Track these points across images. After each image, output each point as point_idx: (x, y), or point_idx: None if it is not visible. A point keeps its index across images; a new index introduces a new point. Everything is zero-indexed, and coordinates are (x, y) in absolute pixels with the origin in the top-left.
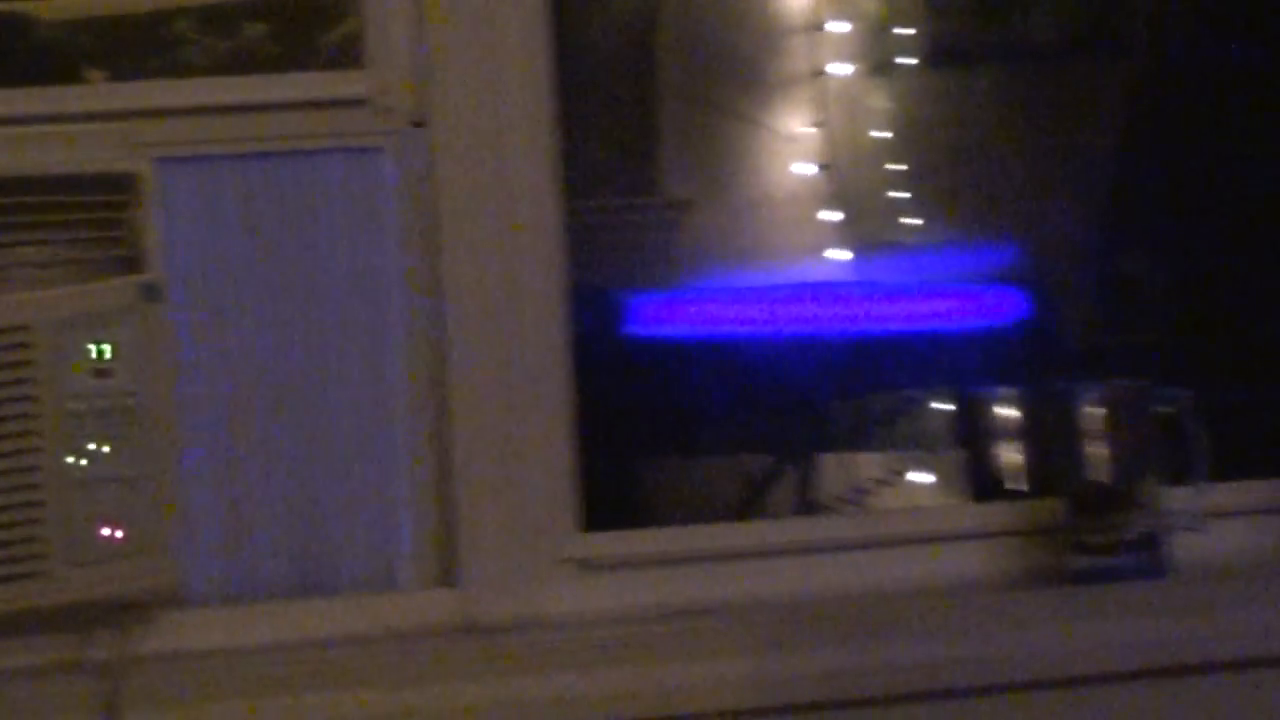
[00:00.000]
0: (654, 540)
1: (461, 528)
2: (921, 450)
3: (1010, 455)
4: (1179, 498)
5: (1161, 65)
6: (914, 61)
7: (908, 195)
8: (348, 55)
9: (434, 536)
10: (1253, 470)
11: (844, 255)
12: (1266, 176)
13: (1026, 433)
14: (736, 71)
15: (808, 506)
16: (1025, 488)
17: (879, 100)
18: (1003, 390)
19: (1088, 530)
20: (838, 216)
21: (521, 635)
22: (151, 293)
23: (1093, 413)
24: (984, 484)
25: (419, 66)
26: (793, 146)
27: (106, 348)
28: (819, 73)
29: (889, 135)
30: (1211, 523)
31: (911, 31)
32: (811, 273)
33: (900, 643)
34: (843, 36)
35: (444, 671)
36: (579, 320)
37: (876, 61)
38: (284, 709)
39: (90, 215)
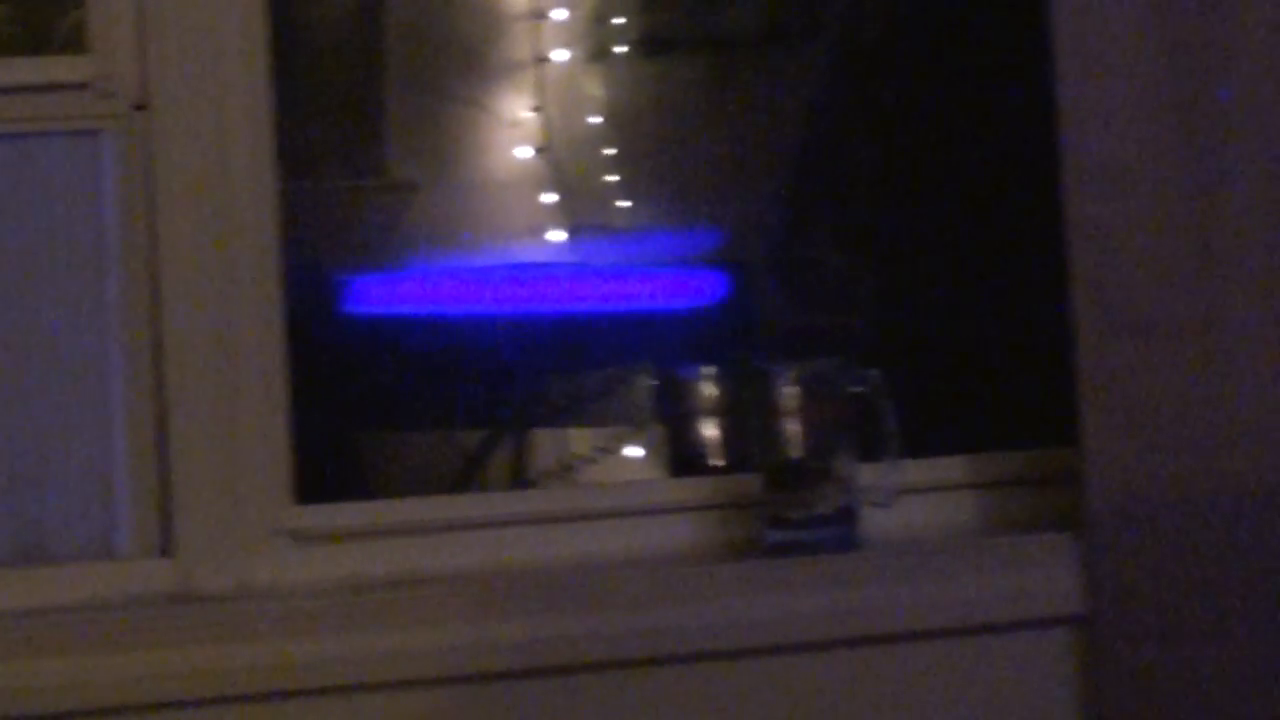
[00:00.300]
0: (368, 512)
1: (177, 498)
2: (630, 426)
3: (711, 432)
4: (870, 474)
5: (853, 54)
6: (626, 49)
7: (619, 179)
8: (79, 40)
9: (150, 506)
10: (942, 448)
11: (561, 237)
12: (952, 162)
13: (726, 410)
14: (461, 57)
15: (521, 480)
16: (724, 463)
17: (594, 87)
18: (704, 369)
19: (783, 505)
20: (555, 199)
21: (234, 604)
22: None
23: (787, 391)
24: (688, 460)
25: (141, 50)
26: (514, 131)
27: None
28: (541, 59)
29: (602, 121)
30: (902, 498)
31: (625, 20)
32: (531, 253)
33: (603, 612)
34: (563, 24)
35: (156, 639)
36: (298, 298)
37: (593, 49)
38: None
39: None
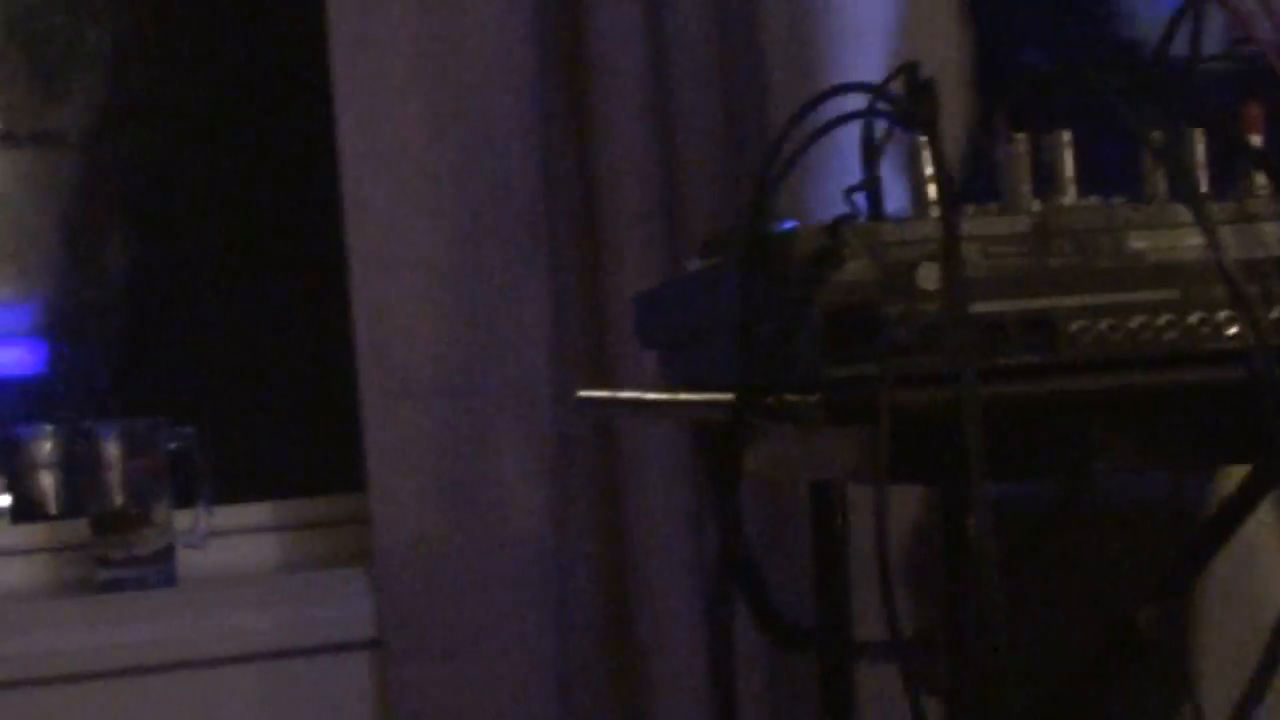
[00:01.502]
0: None
1: None
2: None
3: (48, 484)
4: (186, 519)
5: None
6: None
7: None
8: None
9: None
10: (251, 494)
11: None
12: (251, 250)
13: (61, 464)
14: None
15: None
16: (57, 512)
17: None
18: (42, 428)
19: (108, 547)
20: None
21: None
22: None
23: (111, 447)
24: (26, 509)
25: None
26: None
27: None
28: None
29: None
30: (214, 540)
31: None
32: None
33: None
34: None
35: None
36: None
37: None
38: None
39: None
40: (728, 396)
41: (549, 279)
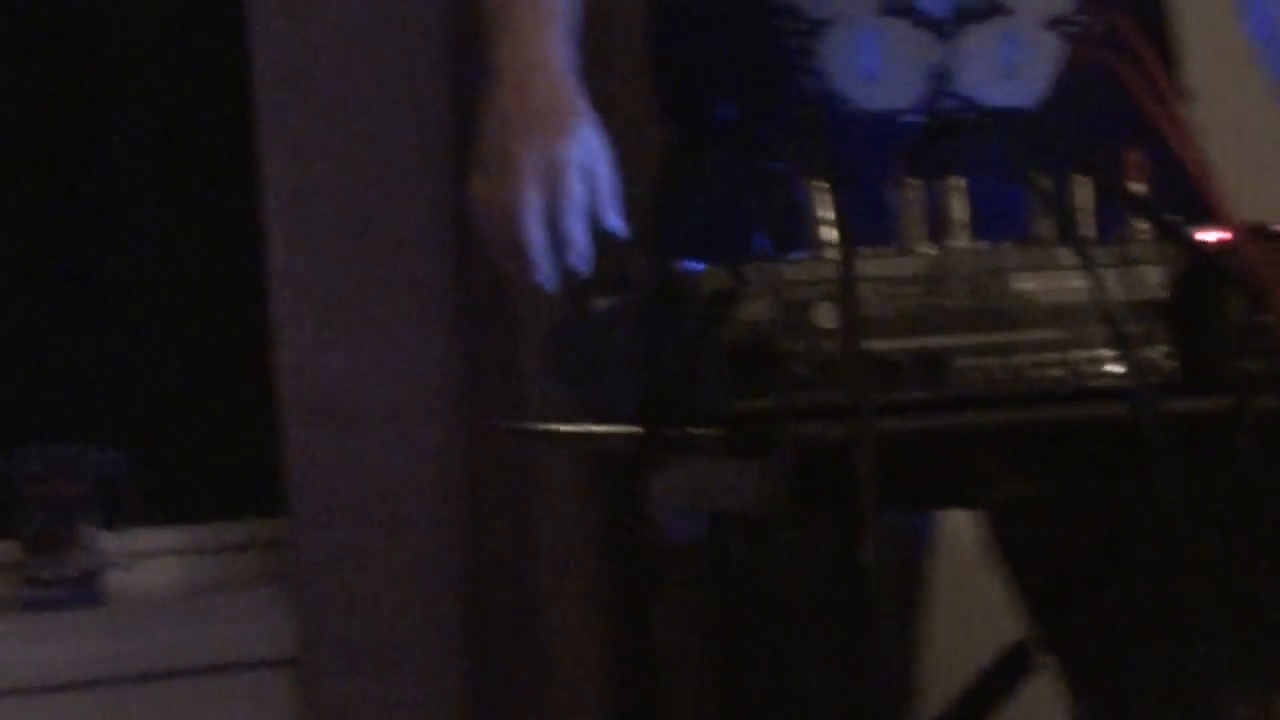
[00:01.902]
0: None
1: None
2: None
3: None
4: (113, 541)
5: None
6: None
7: None
8: None
9: None
10: (176, 518)
11: None
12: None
13: None
14: None
15: None
16: None
17: None
18: None
19: (36, 568)
20: None
21: None
22: None
23: (40, 470)
24: None
25: None
26: None
27: None
28: None
29: None
30: (140, 561)
31: None
32: None
33: None
34: None
35: None
36: None
37: None
38: None
39: None
40: (633, 429)
41: (462, 309)
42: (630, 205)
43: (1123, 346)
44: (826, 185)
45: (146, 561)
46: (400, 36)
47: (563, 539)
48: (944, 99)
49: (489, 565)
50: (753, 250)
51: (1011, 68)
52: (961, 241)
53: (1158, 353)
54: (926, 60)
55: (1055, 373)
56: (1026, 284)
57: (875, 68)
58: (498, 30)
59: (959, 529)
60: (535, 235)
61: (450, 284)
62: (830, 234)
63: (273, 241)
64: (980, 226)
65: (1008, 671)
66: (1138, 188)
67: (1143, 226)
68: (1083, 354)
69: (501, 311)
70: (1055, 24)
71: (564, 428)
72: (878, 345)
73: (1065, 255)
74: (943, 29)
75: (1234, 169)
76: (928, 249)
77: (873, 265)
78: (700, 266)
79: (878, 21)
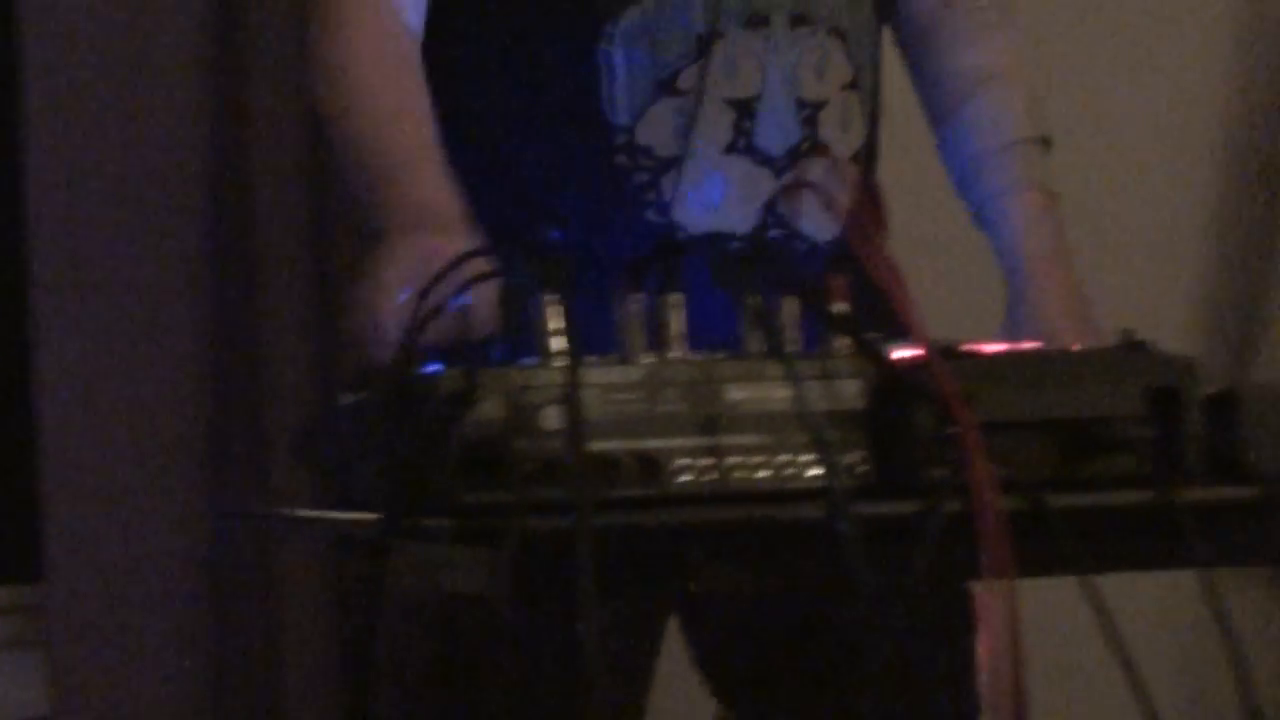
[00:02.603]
0: None
1: None
2: None
3: None
4: None
5: None
6: None
7: None
8: None
9: None
10: None
11: None
12: None
13: None
14: None
15: None
16: None
17: None
18: None
19: None
20: None
21: None
22: None
23: None
24: None
25: None
26: None
27: None
28: None
29: None
30: None
31: None
32: None
33: None
34: None
35: None
36: None
37: None
38: None
39: None
40: (372, 516)
41: (214, 394)
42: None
43: (822, 452)
44: (558, 299)
45: None
46: (166, 57)
47: (306, 616)
48: (773, 227)
49: (234, 639)
50: (489, 357)
51: (831, 198)
52: (679, 352)
53: (855, 458)
54: (762, 193)
55: (761, 475)
56: (737, 393)
57: (717, 200)
58: (380, 183)
59: None
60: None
61: (204, 371)
62: (559, 344)
63: (38, 315)
64: (697, 339)
65: None
66: (840, 308)
67: (843, 343)
68: (787, 458)
69: (248, 397)
70: (858, 159)
71: (308, 513)
72: (599, 446)
73: (773, 367)
74: (776, 165)
75: (930, 289)
76: (648, 358)
77: (597, 373)
78: (438, 369)
79: (722, 159)
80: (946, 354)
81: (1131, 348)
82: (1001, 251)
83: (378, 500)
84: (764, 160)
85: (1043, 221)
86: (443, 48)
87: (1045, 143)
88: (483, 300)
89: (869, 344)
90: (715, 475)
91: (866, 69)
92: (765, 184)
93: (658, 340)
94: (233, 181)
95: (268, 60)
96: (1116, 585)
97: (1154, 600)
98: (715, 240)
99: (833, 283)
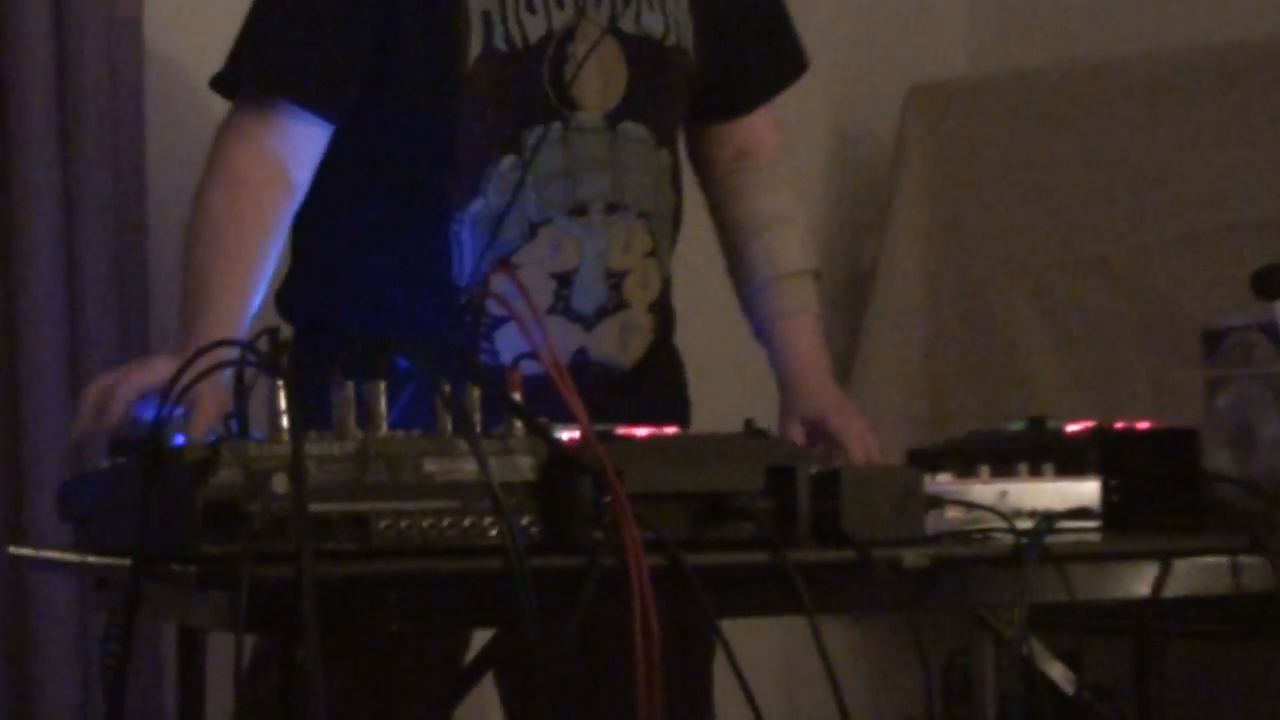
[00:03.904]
0: None
1: None
2: None
3: None
4: None
5: None
6: None
7: None
8: None
9: None
10: None
11: None
12: None
13: None
14: None
15: None
16: None
17: None
18: None
19: None
20: None
21: None
22: None
23: None
24: None
25: None
26: None
27: None
28: None
29: None
30: None
31: None
32: None
33: None
34: None
35: None
36: None
37: None
38: None
39: None
40: (126, 562)
41: None
42: None
43: (501, 515)
44: (282, 386)
45: None
46: None
47: (66, 651)
48: (582, 364)
49: None
50: (228, 431)
51: (626, 341)
52: (382, 430)
53: (528, 521)
54: (574, 343)
55: (451, 533)
56: (431, 465)
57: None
58: (188, 305)
59: None
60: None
61: None
62: (285, 422)
63: None
64: (410, 421)
65: None
66: (515, 397)
67: (519, 425)
68: (472, 520)
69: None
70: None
71: (71, 557)
72: (317, 507)
73: (461, 444)
74: (587, 322)
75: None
76: (358, 434)
77: (316, 446)
78: (183, 440)
79: (544, 318)
80: (603, 437)
81: (754, 434)
82: (776, 363)
83: (131, 548)
84: (577, 319)
85: (810, 341)
86: (326, 207)
87: (816, 275)
88: (217, 388)
89: (539, 427)
90: (413, 533)
91: (665, 238)
92: (576, 336)
93: (368, 419)
94: None
95: None
96: (739, 626)
97: (767, 638)
98: (419, 344)
99: (511, 377)
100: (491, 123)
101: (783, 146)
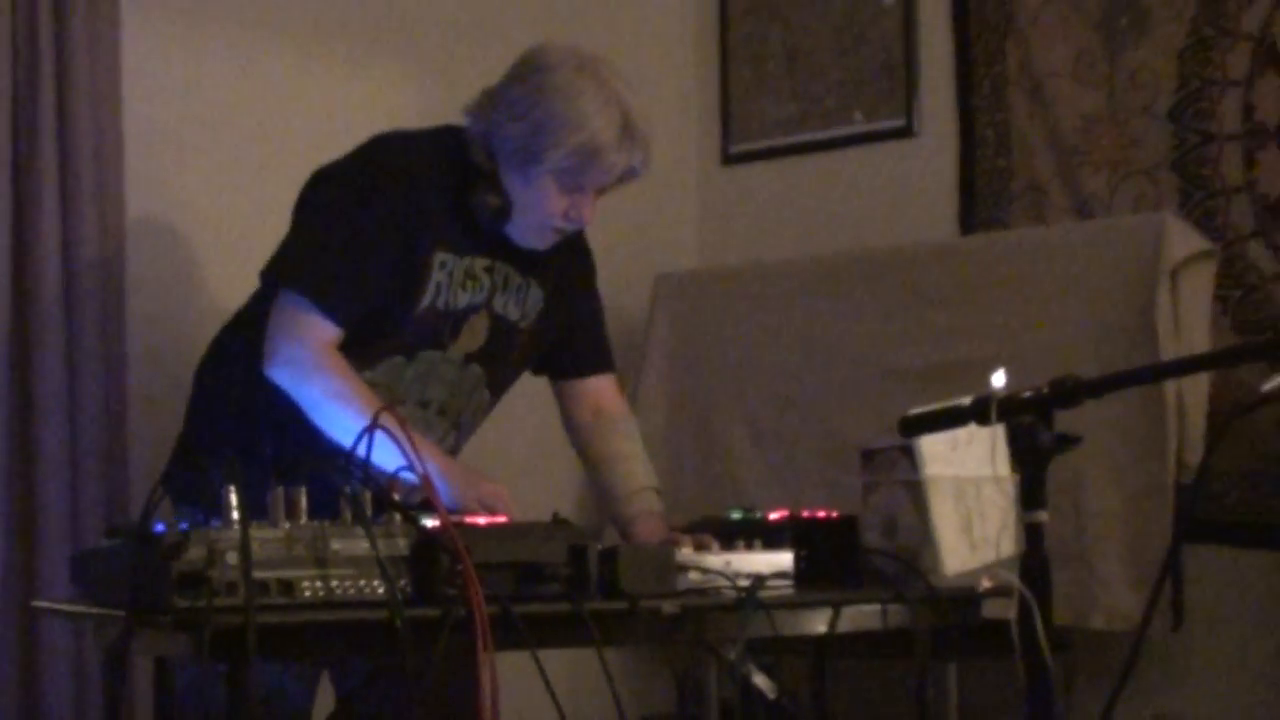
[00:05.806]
0: None
1: None
2: None
3: None
4: None
5: None
6: None
7: None
8: None
9: None
10: None
11: None
12: None
13: None
14: None
15: None
16: None
17: None
18: None
19: None
20: None
21: None
22: None
23: None
24: None
25: None
26: None
27: None
28: None
29: None
30: None
31: None
32: None
33: None
34: None
35: None
36: None
37: None
38: None
39: None
40: (120, 613)
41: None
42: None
43: (386, 579)
44: (233, 488)
45: None
46: None
47: (67, 690)
48: None
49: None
50: (199, 521)
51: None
52: (304, 520)
53: (404, 583)
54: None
55: (351, 592)
56: (338, 544)
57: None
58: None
59: None
60: None
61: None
62: (236, 515)
63: None
64: (316, 511)
65: None
66: (396, 497)
67: (398, 517)
68: (365, 582)
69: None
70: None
71: (76, 608)
72: (259, 574)
73: (358, 529)
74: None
75: None
76: (285, 524)
77: (258, 532)
78: (162, 528)
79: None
80: (456, 525)
81: (560, 522)
82: (624, 535)
83: (124, 603)
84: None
85: (647, 527)
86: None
87: (657, 490)
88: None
89: (411, 518)
90: (324, 593)
91: (466, 434)
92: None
93: (292, 513)
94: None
95: None
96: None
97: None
98: (332, 462)
99: (392, 484)
100: (408, 341)
101: (626, 407)
